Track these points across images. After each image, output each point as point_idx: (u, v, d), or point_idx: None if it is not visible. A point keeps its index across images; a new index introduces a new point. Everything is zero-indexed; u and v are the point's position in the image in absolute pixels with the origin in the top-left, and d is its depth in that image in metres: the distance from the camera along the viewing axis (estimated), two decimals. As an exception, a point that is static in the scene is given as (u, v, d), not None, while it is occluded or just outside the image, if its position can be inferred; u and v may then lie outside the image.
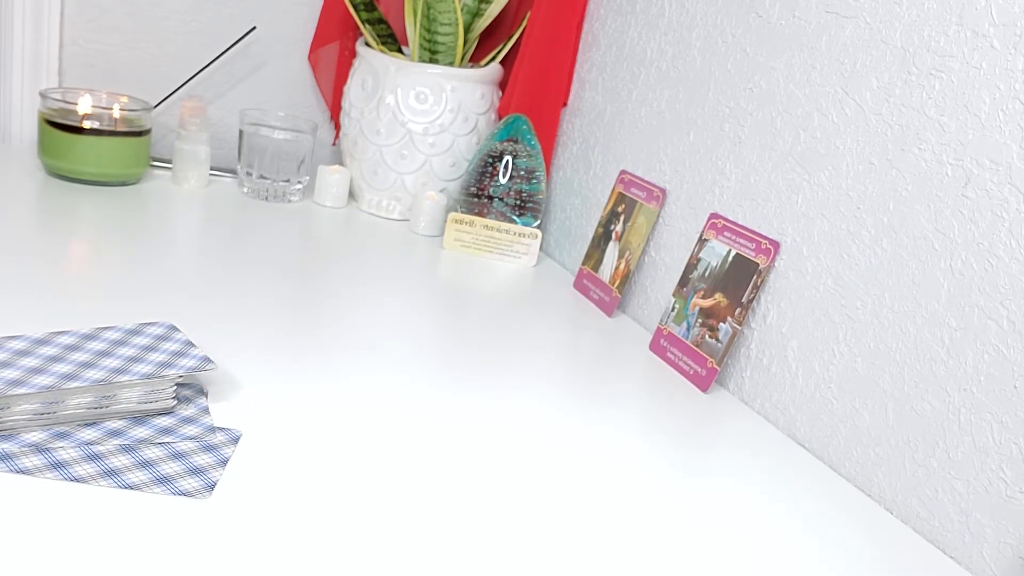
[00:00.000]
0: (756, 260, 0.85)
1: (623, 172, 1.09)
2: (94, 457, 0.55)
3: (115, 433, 0.58)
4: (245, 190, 1.24)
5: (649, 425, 0.77)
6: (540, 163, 1.19)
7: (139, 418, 0.61)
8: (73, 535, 0.48)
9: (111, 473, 0.54)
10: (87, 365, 0.61)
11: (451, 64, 1.23)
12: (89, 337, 0.66)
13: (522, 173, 1.17)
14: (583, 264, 1.11)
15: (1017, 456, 0.63)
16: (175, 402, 0.62)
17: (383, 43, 1.27)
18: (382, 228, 1.22)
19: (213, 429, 0.61)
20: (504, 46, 1.28)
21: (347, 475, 0.59)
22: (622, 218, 1.06)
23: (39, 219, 0.96)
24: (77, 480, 0.53)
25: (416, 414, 0.70)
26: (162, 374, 0.62)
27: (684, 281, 0.93)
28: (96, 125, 1.11)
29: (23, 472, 0.53)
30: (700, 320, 0.89)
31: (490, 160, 1.18)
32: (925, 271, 0.71)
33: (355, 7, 1.22)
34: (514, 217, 1.18)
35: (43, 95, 1.11)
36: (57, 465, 0.54)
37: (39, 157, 1.12)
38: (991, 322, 0.65)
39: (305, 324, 0.83)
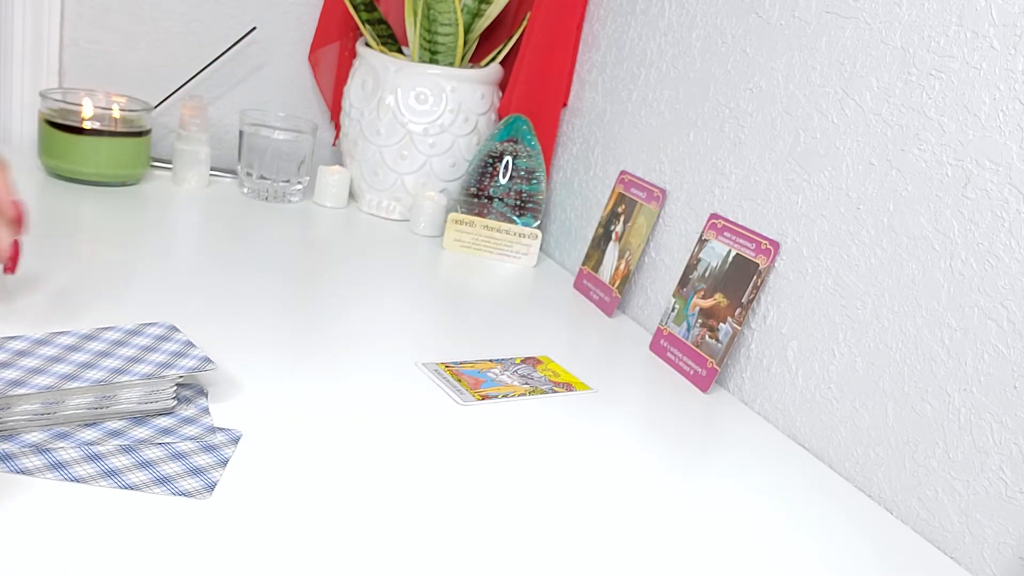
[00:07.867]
0: (756, 260, 0.85)
1: (623, 172, 1.09)
2: (94, 457, 0.55)
3: (115, 433, 0.58)
4: (245, 190, 1.24)
5: (649, 425, 0.77)
6: (540, 163, 1.19)
7: (139, 418, 0.61)
8: (73, 535, 0.48)
9: (111, 473, 0.54)
10: (87, 365, 0.62)
11: (451, 64, 1.23)
12: (89, 337, 0.66)
13: (522, 173, 1.17)
14: (583, 264, 1.11)
15: (1017, 456, 0.63)
16: (175, 402, 0.62)
17: (383, 43, 1.27)
18: (382, 228, 1.22)
19: (213, 429, 0.61)
20: (504, 46, 1.28)
21: (347, 475, 0.59)
22: (622, 218, 1.06)
23: (39, 220, 0.96)
24: (77, 480, 0.53)
25: (415, 414, 0.70)
26: (162, 374, 0.62)
27: (684, 281, 0.93)
28: (96, 126, 1.11)
29: (23, 472, 0.53)
30: (700, 320, 0.89)
31: (490, 160, 1.18)
32: (925, 271, 0.71)
33: (355, 7, 1.22)
34: (514, 217, 1.18)
35: (43, 95, 1.11)
36: (57, 465, 0.54)
37: (39, 158, 1.12)
38: (991, 322, 0.65)
39: (305, 324, 0.83)
